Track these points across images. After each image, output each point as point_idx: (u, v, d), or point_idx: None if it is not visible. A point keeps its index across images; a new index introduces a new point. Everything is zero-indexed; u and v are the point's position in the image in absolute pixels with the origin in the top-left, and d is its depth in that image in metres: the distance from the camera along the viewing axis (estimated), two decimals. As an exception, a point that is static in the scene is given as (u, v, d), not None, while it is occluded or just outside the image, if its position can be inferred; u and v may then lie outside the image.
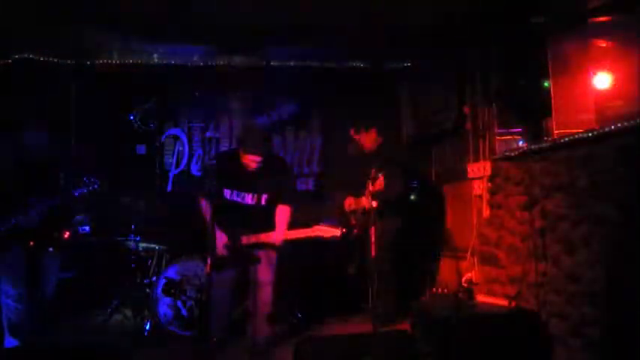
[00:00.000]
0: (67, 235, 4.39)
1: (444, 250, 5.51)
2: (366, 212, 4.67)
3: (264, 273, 3.81)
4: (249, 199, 3.77)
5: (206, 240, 3.54)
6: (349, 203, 4.88)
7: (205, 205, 3.75)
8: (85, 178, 3.97)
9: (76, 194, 4.03)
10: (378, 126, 4.91)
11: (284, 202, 3.79)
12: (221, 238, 3.70)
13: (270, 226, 3.71)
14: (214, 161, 3.34)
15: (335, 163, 6.23)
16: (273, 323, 3.94)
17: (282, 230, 3.69)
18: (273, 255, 3.88)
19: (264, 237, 3.67)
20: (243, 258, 3.71)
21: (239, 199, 3.77)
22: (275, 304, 4.34)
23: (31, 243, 3.90)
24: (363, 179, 4.45)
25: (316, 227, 3.59)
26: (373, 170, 4.25)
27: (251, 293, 3.86)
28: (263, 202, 3.77)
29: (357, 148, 5.09)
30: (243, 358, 3.85)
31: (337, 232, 3.58)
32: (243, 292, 4.10)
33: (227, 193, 3.76)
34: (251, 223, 3.71)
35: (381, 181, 4.05)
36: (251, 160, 3.65)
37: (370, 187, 4.07)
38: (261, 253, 3.79)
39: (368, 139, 4.87)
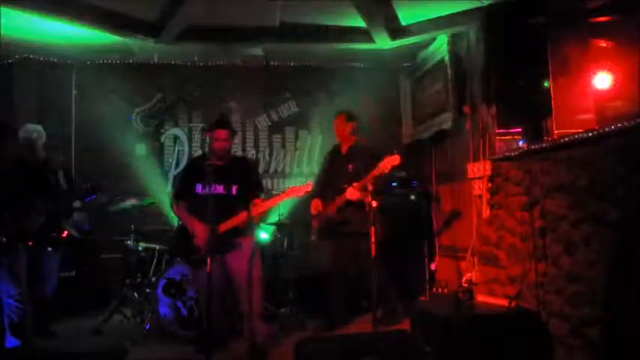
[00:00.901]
0: (65, 234, 4.39)
1: (443, 250, 5.52)
2: (330, 219, 4.55)
3: (251, 269, 3.88)
4: (220, 189, 3.90)
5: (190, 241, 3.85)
6: (316, 205, 4.65)
7: (180, 210, 4.01)
8: (88, 184, 3.98)
9: (77, 203, 4.04)
10: (347, 113, 4.74)
11: (256, 196, 3.97)
12: (199, 232, 3.85)
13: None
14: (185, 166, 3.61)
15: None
16: (269, 322, 3.96)
17: (257, 205, 3.84)
18: (254, 247, 4.00)
19: (241, 217, 3.80)
20: (223, 245, 3.76)
21: (211, 191, 3.81)
22: (271, 302, 4.37)
23: (30, 243, 3.90)
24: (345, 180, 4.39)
25: (289, 190, 3.86)
26: (351, 166, 4.26)
27: (242, 294, 3.93)
28: (234, 192, 3.95)
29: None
30: (243, 358, 3.85)
31: (309, 187, 3.88)
32: (236, 292, 4.15)
33: (199, 187, 3.94)
34: (225, 212, 3.80)
35: (389, 161, 3.96)
36: (220, 137, 3.91)
37: (370, 187, 4.05)
38: (241, 244, 3.88)
39: (339, 125, 4.70)
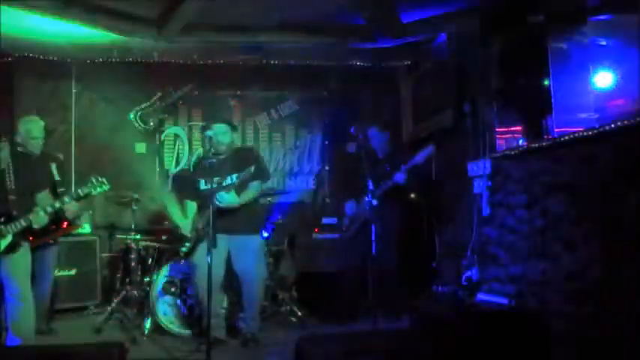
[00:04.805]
0: (64, 232, 4.38)
1: (444, 249, 5.51)
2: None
3: (251, 266, 3.92)
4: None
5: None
6: (350, 207, 4.90)
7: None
8: (92, 178, 3.96)
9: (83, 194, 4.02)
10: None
11: (255, 179, 4.02)
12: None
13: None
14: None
15: (335, 161, 6.24)
16: (269, 321, 3.97)
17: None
18: (260, 245, 4.07)
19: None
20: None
21: (210, 184, 3.94)
22: (271, 301, 4.35)
23: (32, 238, 3.89)
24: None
25: None
26: None
27: (243, 291, 3.98)
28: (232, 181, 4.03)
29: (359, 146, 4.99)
30: (242, 357, 3.86)
31: None
32: (235, 291, 4.16)
33: (202, 182, 4.07)
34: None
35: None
36: (219, 131, 4.01)
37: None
38: (244, 241, 3.92)
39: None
